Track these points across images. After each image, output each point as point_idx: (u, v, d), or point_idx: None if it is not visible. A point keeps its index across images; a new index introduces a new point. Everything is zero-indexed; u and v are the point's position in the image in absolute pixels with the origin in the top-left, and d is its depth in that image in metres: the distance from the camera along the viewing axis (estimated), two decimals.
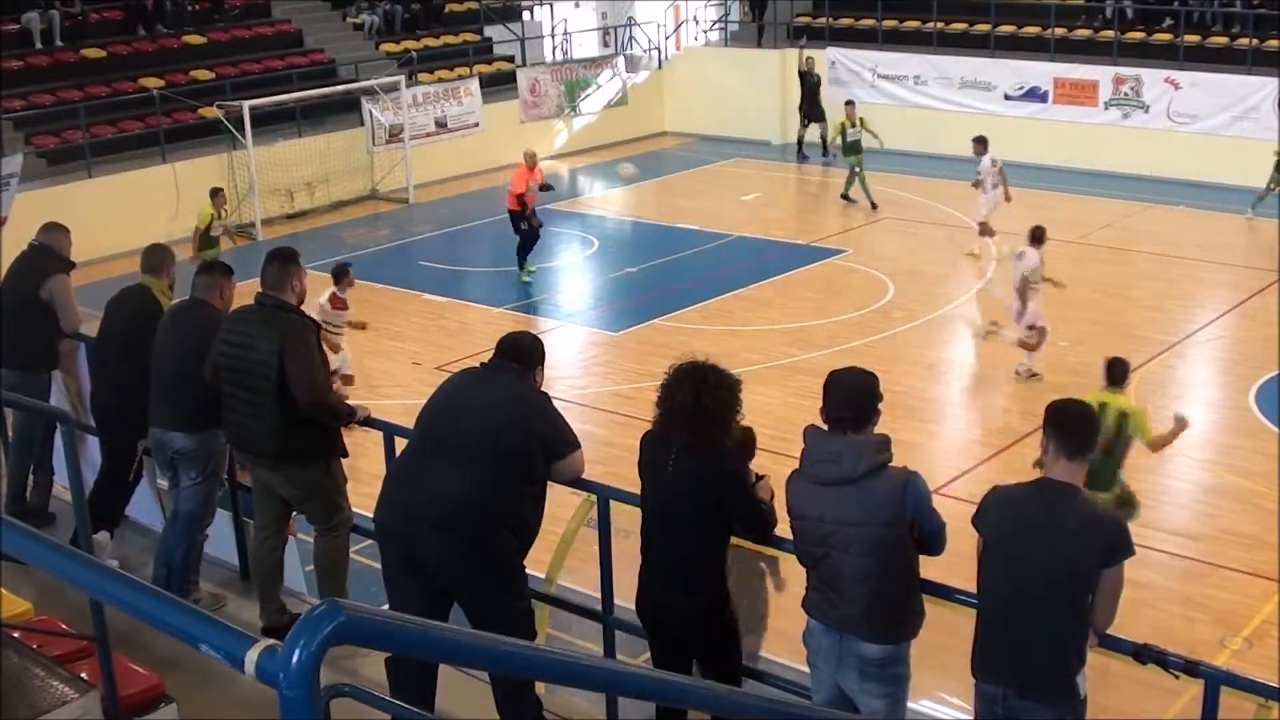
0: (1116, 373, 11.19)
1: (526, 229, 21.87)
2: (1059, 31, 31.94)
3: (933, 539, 6.04)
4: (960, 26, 33.19)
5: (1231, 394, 17.17)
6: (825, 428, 6.07)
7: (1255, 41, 29.81)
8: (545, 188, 22.27)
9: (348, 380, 16.22)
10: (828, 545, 6.00)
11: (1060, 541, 5.70)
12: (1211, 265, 23.00)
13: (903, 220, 26.03)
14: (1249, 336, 19.35)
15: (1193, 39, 30.45)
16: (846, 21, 34.86)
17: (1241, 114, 28.69)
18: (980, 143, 22.78)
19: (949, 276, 22.18)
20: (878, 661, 6.05)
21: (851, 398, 6.03)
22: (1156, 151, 28.91)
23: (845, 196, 27.15)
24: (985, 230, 22.70)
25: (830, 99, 33.06)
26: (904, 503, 5.89)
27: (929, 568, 6.16)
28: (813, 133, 31.92)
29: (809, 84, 31.96)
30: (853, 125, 26.72)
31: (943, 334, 19.56)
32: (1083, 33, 31.88)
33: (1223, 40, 30.41)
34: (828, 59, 33.42)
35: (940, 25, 33.33)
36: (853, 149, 26.75)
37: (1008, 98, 31.13)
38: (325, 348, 7.99)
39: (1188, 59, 29.88)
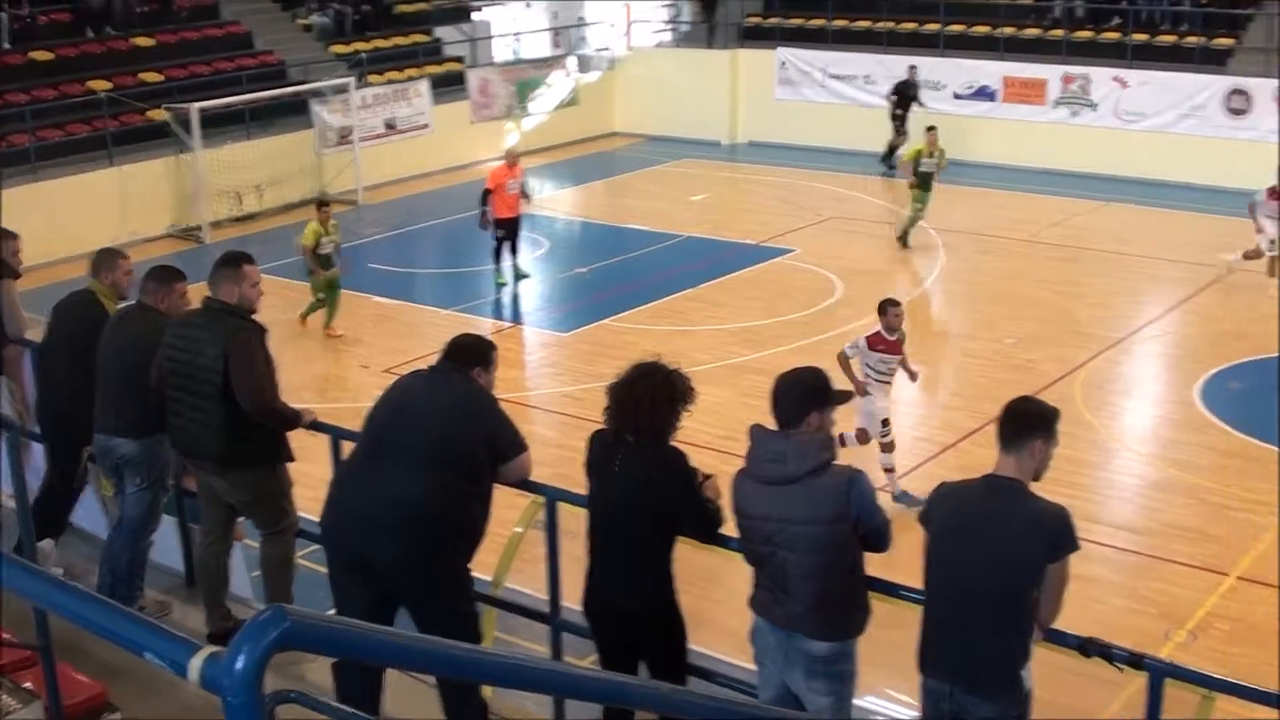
0: None
1: (503, 233, 21.63)
2: (1008, 30, 32.11)
3: (878, 536, 6.08)
4: (910, 26, 33.32)
5: (1177, 390, 17.32)
6: (771, 427, 6.11)
7: (1203, 40, 30.12)
8: (524, 195, 22.01)
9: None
10: (773, 544, 6.03)
11: (1006, 537, 5.74)
12: (1160, 262, 23.19)
13: (850, 219, 26.12)
14: (1195, 333, 19.55)
15: (1141, 38, 30.68)
16: (797, 21, 34.91)
17: (1189, 112, 28.94)
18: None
19: (896, 274, 22.27)
20: (824, 659, 6.08)
21: (789, 395, 6.07)
22: (1105, 149, 29.14)
23: (903, 240, 23.89)
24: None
25: (778, 99, 33.25)
26: (848, 501, 5.93)
27: (875, 565, 6.19)
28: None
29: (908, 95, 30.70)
30: (930, 155, 23.28)
31: None
32: (1032, 32, 32.05)
33: (1171, 39, 30.65)
34: (778, 59, 33.53)
35: (890, 25, 33.47)
36: (925, 183, 23.35)
37: (957, 96, 31.28)
38: None
39: (1136, 57, 30.12)
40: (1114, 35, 31.05)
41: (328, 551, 6.62)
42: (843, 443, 13.56)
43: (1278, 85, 27.95)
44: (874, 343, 13.62)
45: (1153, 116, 29.28)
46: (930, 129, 23.35)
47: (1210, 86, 28.76)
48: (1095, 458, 14.76)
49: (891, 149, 30.03)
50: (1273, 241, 20.48)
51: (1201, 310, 20.32)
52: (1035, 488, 5.86)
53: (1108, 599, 11.74)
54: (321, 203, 19.85)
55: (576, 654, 7.46)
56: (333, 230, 19.41)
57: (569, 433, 14.44)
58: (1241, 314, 19.94)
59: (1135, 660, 5.88)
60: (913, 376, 14.21)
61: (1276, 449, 14.92)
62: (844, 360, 13.45)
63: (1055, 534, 5.73)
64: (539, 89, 33.66)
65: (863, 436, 13.78)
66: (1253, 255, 20.89)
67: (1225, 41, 30.01)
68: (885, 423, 13.73)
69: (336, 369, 18.47)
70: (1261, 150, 27.53)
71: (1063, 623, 5.94)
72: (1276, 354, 17.84)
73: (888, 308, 13.71)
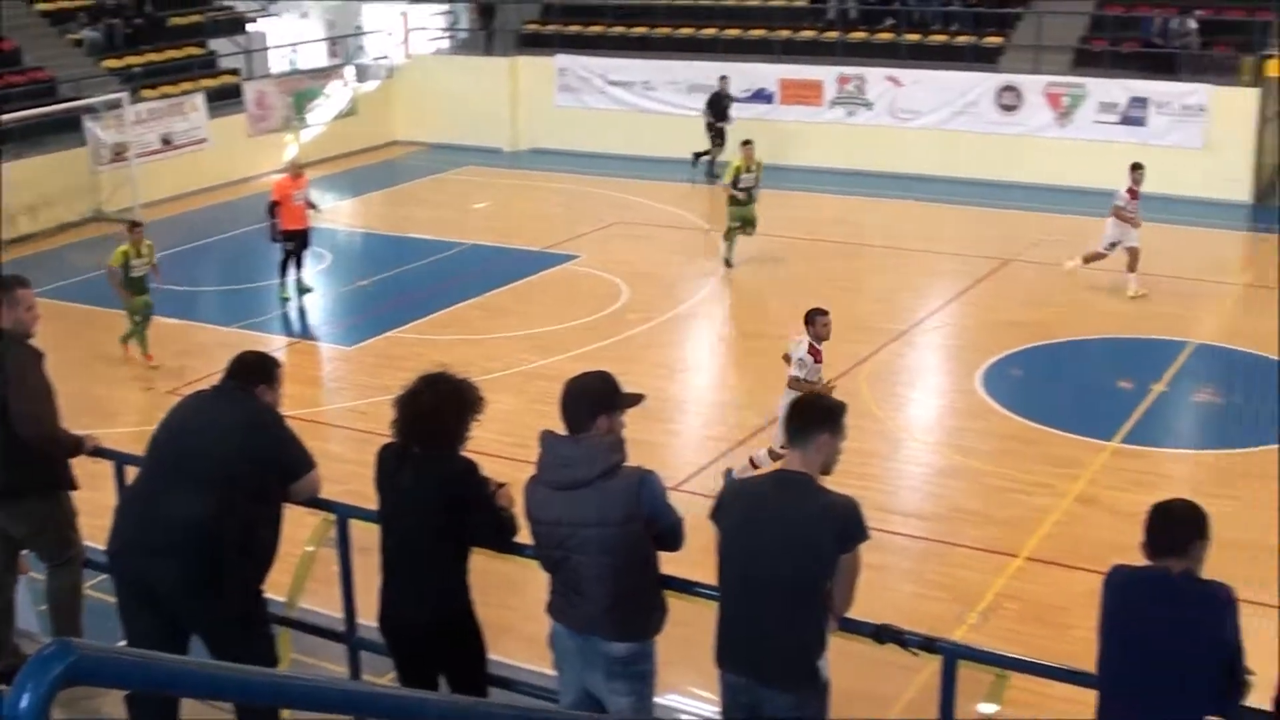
0: None
1: (292, 245, 21.25)
2: (784, 33, 32.62)
3: (670, 535, 6.12)
4: (688, 31, 33.66)
5: (958, 379, 17.76)
6: (562, 433, 6.10)
7: (974, 39, 31.00)
8: (310, 206, 21.63)
9: None
10: (567, 548, 6.03)
11: (796, 530, 5.81)
12: (939, 255, 23.78)
13: (634, 224, 26.26)
14: (973, 323, 20.08)
15: (913, 38, 31.48)
16: (575, 28, 35.02)
17: (962, 109, 29.73)
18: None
19: (682, 278, 22.44)
20: (623, 660, 6.09)
21: (577, 400, 6.08)
22: (881, 147, 29.78)
23: (728, 262, 22.92)
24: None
25: (558, 105, 33.29)
26: (639, 501, 5.95)
27: (669, 564, 6.22)
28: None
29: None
30: (749, 170, 22.66)
31: (677, 334, 19.80)
32: (807, 34, 32.59)
33: (942, 38, 31.48)
34: (557, 66, 33.58)
35: (668, 30, 33.78)
36: (747, 198, 22.68)
37: (736, 100, 31.63)
38: None
39: (909, 57, 30.88)
40: (887, 36, 31.78)
41: (114, 580, 6.43)
42: (754, 464, 13.68)
43: (1046, 81, 28.93)
44: (815, 355, 13.52)
45: (927, 114, 30.02)
46: (746, 143, 22.92)
47: (982, 84, 29.62)
48: (883, 448, 15.06)
49: (701, 155, 30.20)
50: (1112, 244, 20.86)
51: (979, 301, 20.87)
52: (826, 481, 5.95)
53: (900, 586, 11.98)
54: (134, 224, 19.39)
55: (375, 671, 7.37)
56: (146, 252, 18.83)
57: (358, 447, 14.23)
58: (1016, 303, 20.53)
59: (928, 644, 6.00)
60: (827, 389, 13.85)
61: (1059, 432, 15.44)
62: (801, 382, 13.24)
63: (845, 525, 5.82)
64: (317, 100, 33.22)
65: (775, 456, 13.47)
66: (1093, 258, 21.11)
67: (995, 40, 30.93)
68: None
69: (119, 392, 17.99)
70: (1029, 144, 28.57)
71: (857, 611, 6.02)
72: (1053, 341, 18.48)
73: (816, 317, 13.55)
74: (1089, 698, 5.80)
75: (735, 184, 22.47)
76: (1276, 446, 14.87)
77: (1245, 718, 5.43)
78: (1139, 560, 5.64)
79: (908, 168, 29.07)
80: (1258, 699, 5.48)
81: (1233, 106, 27.78)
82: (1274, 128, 29.50)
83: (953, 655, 6.02)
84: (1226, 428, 16.32)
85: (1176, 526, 5.58)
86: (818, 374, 13.47)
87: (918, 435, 15.98)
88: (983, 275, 22.09)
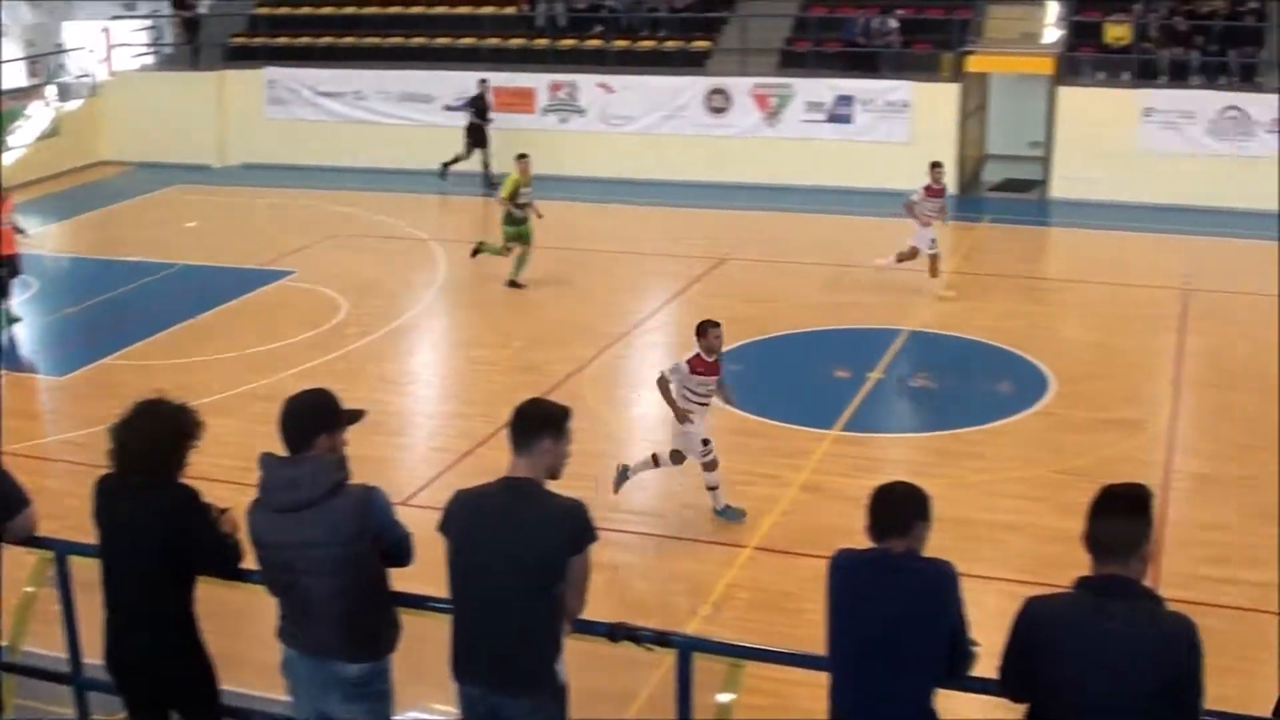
0: None
1: (4, 271, 20.26)
2: (494, 41, 32.64)
3: (399, 551, 6.09)
4: (397, 40, 33.39)
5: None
6: (283, 453, 6.02)
7: (682, 43, 31.51)
8: (18, 231, 20.65)
9: None
10: (295, 571, 5.95)
11: (525, 536, 5.83)
12: (656, 258, 24.09)
13: (350, 236, 25.95)
14: (693, 321, 20.03)
15: (622, 44, 31.82)
16: (283, 40, 34.40)
17: (672, 113, 30.20)
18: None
19: (402, 289, 22.26)
20: (359, 681, 6.04)
21: (296, 419, 6.00)
22: (595, 153, 30.05)
23: (516, 283, 21.89)
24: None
25: (268, 119, 32.74)
26: (366, 518, 5.91)
27: (401, 579, 6.18)
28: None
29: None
30: (528, 185, 21.81)
31: (400, 346, 19.63)
32: (517, 42, 32.65)
33: (650, 44, 31.89)
34: (266, 78, 33.00)
35: (377, 40, 33.49)
36: (523, 216, 21.83)
37: (448, 108, 31.54)
38: None
39: (619, 63, 31.22)
40: (597, 42, 32.05)
41: None
42: (656, 463, 13.63)
43: (754, 83, 29.59)
44: (694, 366, 13.21)
45: (639, 119, 30.42)
46: (522, 156, 22.09)
47: (691, 88, 30.16)
48: (610, 449, 15.16)
49: (450, 164, 29.97)
50: (933, 240, 21.13)
51: (697, 300, 21.18)
52: (555, 485, 5.98)
53: (634, 583, 12.10)
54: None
55: (106, 711, 7.15)
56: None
57: (77, 481, 13.70)
58: (734, 300, 20.90)
59: (662, 639, 6.10)
60: (729, 401, 13.83)
61: (782, 424, 15.80)
62: (664, 384, 13.13)
63: (573, 528, 5.87)
64: (17, 121, 31.98)
65: (677, 457, 13.52)
66: (907, 256, 21.26)
67: (703, 44, 31.50)
68: (705, 442, 13.32)
69: None
70: (740, 145, 29.20)
71: (591, 612, 6.08)
72: (770, 335, 18.89)
73: (707, 329, 13.31)
74: (822, 679, 5.95)
75: (514, 199, 21.70)
76: (988, 426, 15.58)
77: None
78: (865, 543, 5.82)
79: (622, 172, 29.41)
80: (983, 669, 5.69)
81: (935, 102, 28.87)
82: (976, 121, 30.78)
83: (686, 648, 6.13)
84: (941, 410, 16.92)
85: (897, 508, 5.78)
86: (707, 388, 13.28)
87: (644, 435, 16.14)
88: (699, 274, 22.46)
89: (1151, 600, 5.22)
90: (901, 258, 21.22)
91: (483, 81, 30.23)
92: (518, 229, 21.77)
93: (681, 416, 13.12)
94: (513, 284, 21.70)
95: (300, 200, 28.95)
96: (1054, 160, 28.83)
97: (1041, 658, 5.24)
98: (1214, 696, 5.34)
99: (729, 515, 13.32)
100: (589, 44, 32.14)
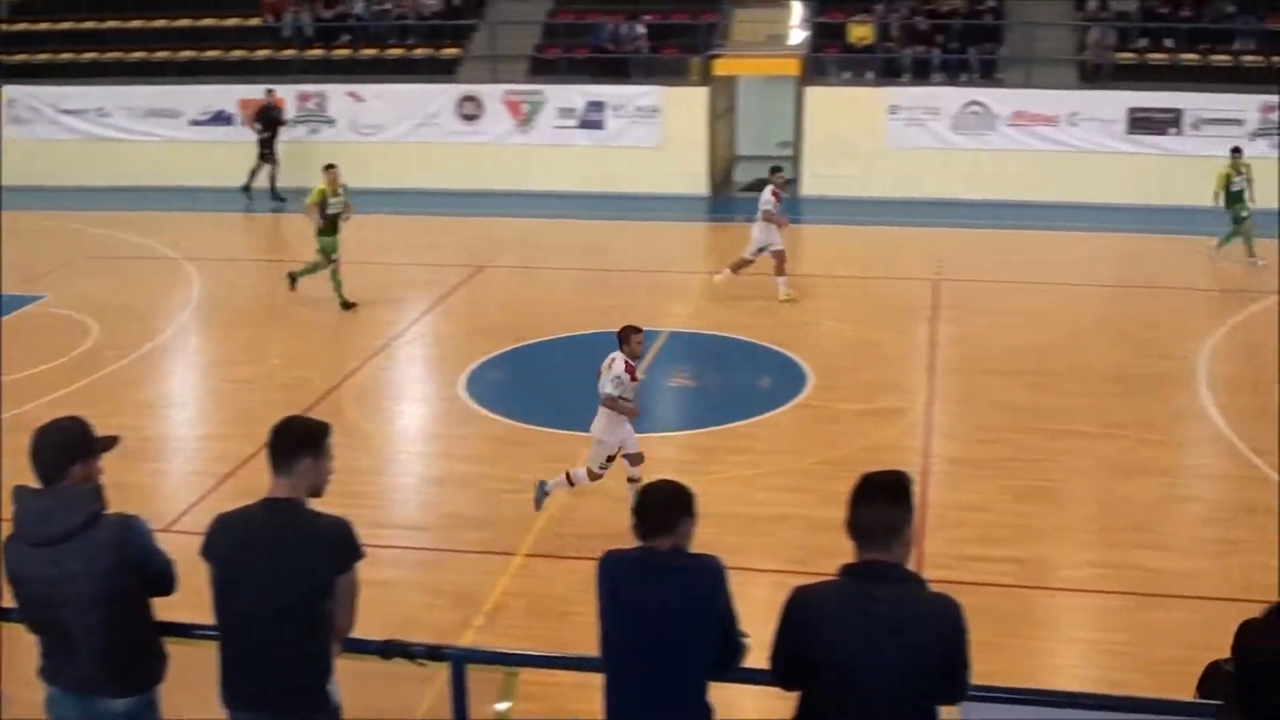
0: None
1: None
2: (240, 54, 32.09)
3: (162, 580, 5.96)
4: (140, 55, 32.60)
5: (442, 386, 17.91)
6: (35, 485, 5.83)
7: (431, 51, 31.38)
8: None
9: None
10: (54, 606, 5.77)
11: (290, 556, 5.75)
12: (413, 267, 23.93)
13: (100, 257, 25.22)
14: (453, 330, 20.34)
15: (371, 52, 31.58)
16: (22, 57, 33.27)
17: (424, 120, 30.11)
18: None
19: (157, 310, 21.70)
20: (126, 716, 5.90)
21: (48, 449, 5.83)
22: (348, 163, 29.49)
23: (293, 278, 21.74)
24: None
25: (8, 139, 31.65)
26: (125, 549, 5.76)
27: (165, 608, 6.04)
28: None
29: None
30: (335, 195, 21.08)
31: (156, 369, 19.13)
32: (264, 53, 32.15)
33: (399, 52, 31.68)
34: (6, 97, 31.91)
35: (120, 55, 32.63)
36: (332, 226, 21.07)
37: (194, 123, 30.94)
38: None
39: (368, 72, 31.02)
40: (345, 51, 31.74)
41: None
42: (570, 482, 13.42)
43: (505, 90, 29.63)
44: (631, 373, 13.14)
45: (390, 128, 30.21)
46: (329, 167, 21.43)
47: (442, 95, 30.06)
48: (374, 464, 15.03)
49: (254, 174, 29.40)
50: (760, 249, 21.19)
51: (456, 308, 21.13)
52: (318, 503, 5.90)
53: (406, 598, 11.98)
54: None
55: None
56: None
57: None
58: (493, 307, 20.89)
59: (434, 652, 6.06)
60: (632, 415, 13.50)
61: (547, 429, 15.83)
62: (614, 400, 12.96)
63: (339, 546, 5.80)
64: None
65: (591, 475, 13.37)
66: (741, 265, 21.36)
67: (453, 51, 31.45)
68: (610, 459, 13.29)
69: None
70: (493, 152, 29.21)
71: (362, 629, 6.02)
72: (533, 342, 18.92)
73: (630, 335, 13.14)
74: (598, 680, 5.99)
75: (323, 210, 21.03)
76: (751, 421, 15.86)
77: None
78: (634, 543, 5.86)
79: (375, 182, 29.07)
80: (755, 660, 5.78)
81: (685, 106, 29.31)
82: (725, 123, 31.28)
83: (459, 660, 6.11)
84: (704, 408, 17.15)
85: (662, 507, 5.84)
86: (635, 392, 13.25)
87: (408, 447, 16.04)
88: (456, 283, 22.38)
89: (915, 583, 5.36)
90: (736, 267, 21.46)
91: (269, 91, 29.83)
92: (331, 241, 21.10)
93: (631, 413, 13.12)
94: (346, 305, 21.08)
95: (47, 222, 27.99)
96: (803, 159, 29.50)
97: (810, 645, 5.35)
98: (980, 673, 5.53)
99: (539, 497, 13.38)
100: (337, 54, 31.84)
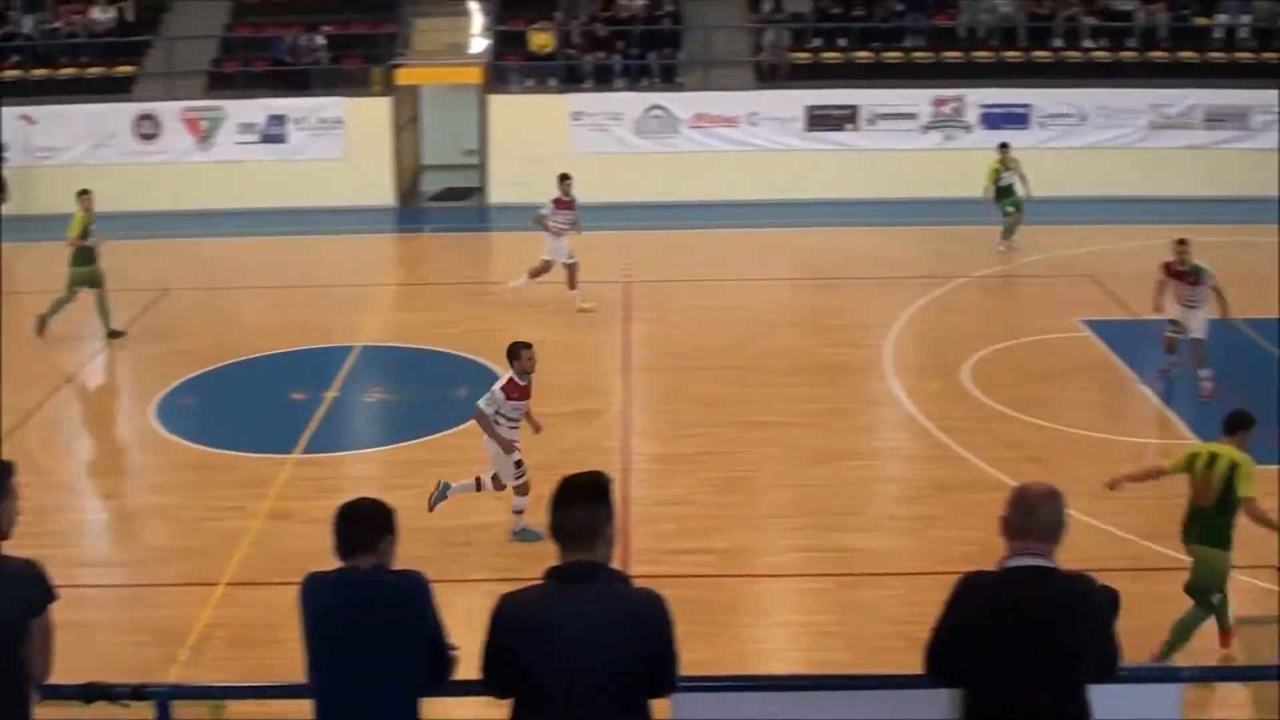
0: (1233, 422, 10.54)
1: None
2: None
3: None
4: None
5: (132, 416, 17.43)
6: None
7: (105, 69, 30.43)
8: None
9: None
10: None
11: None
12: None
13: None
14: (140, 357, 19.74)
15: (41, 73, 30.41)
16: None
17: (101, 141, 29.02)
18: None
19: None
20: None
21: None
22: (25, 188, 28.48)
23: (115, 333, 20.20)
24: None
25: None
26: None
27: None
28: None
29: None
30: (93, 222, 20.06)
31: None
32: None
33: (72, 71, 30.62)
34: None
35: None
36: (87, 273, 19.97)
37: None
38: None
39: (39, 93, 29.83)
40: (15, 72, 30.37)
41: None
42: (478, 486, 13.15)
43: (182, 107, 28.91)
44: (510, 391, 12.77)
45: (66, 150, 29.10)
46: (84, 193, 20.22)
47: (118, 115, 29.11)
48: (63, 501, 14.50)
49: None
50: (570, 252, 21.01)
51: (141, 335, 20.45)
52: (6, 545, 5.69)
53: (107, 638, 11.62)
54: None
55: None
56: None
57: None
58: (179, 334, 20.34)
59: (138, 692, 5.90)
60: (536, 428, 13.31)
61: (241, 453, 15.53)
62: (483, 418, 12.69)
63: (29, 588, 5.61)
64: None
65: (497, 483, 13.10)
66: (539, 272, 21.20)
67: (128, 69, 30.52)
68: (519, 464, 12.96)
69: None
70: (174, 171, 28.42)
71: (63, 674, 5.82)
72: (220, 364, 18.49)
73: (520, 351, 12.84)
74: (308, 706, 5.91)
75: (85, 237, 19.85)
76: (449, 432, 15.86)
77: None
78: (335, 564, 5.80)
79: (51, 208, 27.36)
80: (467, 672, 5.77)
81: (368, 116, 29.13)
82: (410, 133, 31.15)
83: (164, 698, 5.96)
84: (401, 421, 17.04)
85: (361, 525, 5.79)
86: (519, 411, 13.00)
87: (98, 481, 15.54)
88: (142, 308, 21.67)
89: (620, 581, 5.44)
90: (535, 273, 21.41)
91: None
92: (91, 269, 19.98)
93: (509, 448, 12.94)
94: (114, 334, 20.05)
95: None
96: (490, 167, 29.64)
97: (518, 651, 5.38)
98: (691, 663, 5.65)
99: (526, 536, 12.94)
100: (7, 74, 30.48)
